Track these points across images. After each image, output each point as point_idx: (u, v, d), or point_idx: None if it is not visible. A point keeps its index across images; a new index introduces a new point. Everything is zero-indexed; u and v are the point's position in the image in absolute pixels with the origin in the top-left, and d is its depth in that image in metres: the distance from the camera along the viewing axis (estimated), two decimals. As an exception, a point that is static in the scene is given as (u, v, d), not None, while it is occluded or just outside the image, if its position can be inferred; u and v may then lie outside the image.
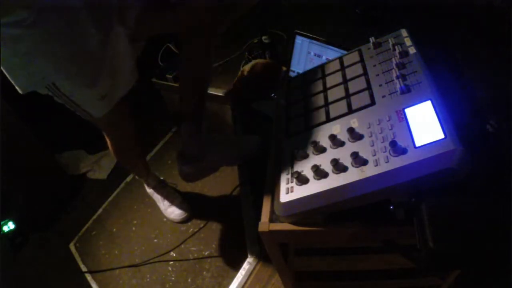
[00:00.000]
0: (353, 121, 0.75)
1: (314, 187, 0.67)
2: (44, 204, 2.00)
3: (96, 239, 1.92)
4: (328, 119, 0.80)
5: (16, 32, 0.87)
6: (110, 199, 2.13)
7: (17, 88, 1.03)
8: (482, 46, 1.60)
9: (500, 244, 0.57)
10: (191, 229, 1.85)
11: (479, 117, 0.77)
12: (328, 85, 0.89)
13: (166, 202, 1.79)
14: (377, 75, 0.82)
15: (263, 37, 1.84)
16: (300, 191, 0.68)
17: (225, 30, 1.91)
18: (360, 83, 0.83)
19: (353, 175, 0.65)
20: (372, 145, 0.67)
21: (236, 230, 1.78)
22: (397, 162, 0.61)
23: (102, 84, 1.06)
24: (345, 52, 1.03)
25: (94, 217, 2.04)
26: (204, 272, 1.67)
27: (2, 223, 1.84)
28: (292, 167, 0.74)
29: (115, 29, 1.00)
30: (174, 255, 1.77)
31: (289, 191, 0.70)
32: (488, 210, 0.60)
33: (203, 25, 1.07)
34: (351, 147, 0.70)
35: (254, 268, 1.28)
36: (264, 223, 0.76)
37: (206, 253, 1.74)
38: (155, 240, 1.86)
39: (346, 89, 0.84)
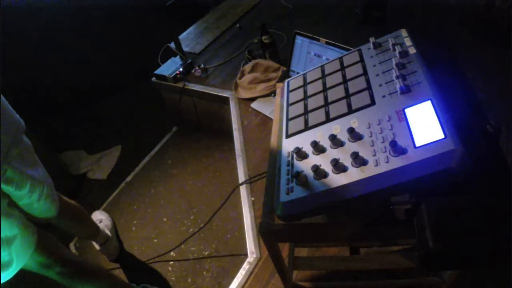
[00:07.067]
0: (353, 121, 0.75)
1: (314, 187, 0.67)
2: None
3: (96, 239, 1.92)
4: (328, 119, 0.80)
5: None
6: (110, 199, 2.14)
7: None
8: (482, 46, 1.60)
9: (500, 244, 0.57)
10: (191, 229, 1.85)
11: (479, 117, 0.77)
12: (328, 85, 0.89)
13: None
14: (377, 75, 0.82)
15: (263, 37, 1.84)
16: (300, 191, 0.68)
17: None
18: (360, 83, 0.83)
19: (353, 175, 0.65)
20: (372, 145, 0.67)
21: (236, 230, 1.78)
22: (397, 162, 0.61)
23: None
24: (345, 52, 1.03)
25: (94, 217, 2.04)
26: (204, 272, 1.67)
27: (2, 223, 1.84)
28: (292, 167, 0.74)
29: None
30: (174, 255, 1.77)
31: (289, 191, 0.70)
32: (488, 210, 0.60)
33: None
34: (351, 147, 0.70)
35: (254, 268, 1.28)
36: (264, 223, 0.76)
37: (206, 253, 1.74)
38: (155, 240, 1.86)
39: (346, 89, 0.84)
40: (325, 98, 0.86)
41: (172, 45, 2.17)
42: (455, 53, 1.01)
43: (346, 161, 0.67)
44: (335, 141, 0.72)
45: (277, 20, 2.34)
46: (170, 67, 2.13)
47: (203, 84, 2.06)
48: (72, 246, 1.93)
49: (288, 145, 0.80)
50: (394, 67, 0.78)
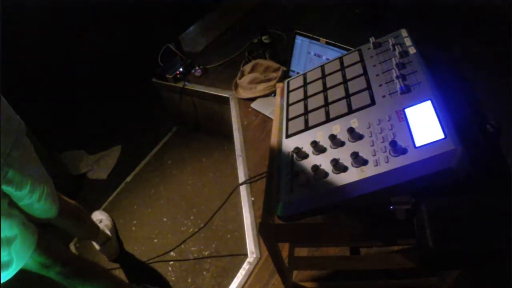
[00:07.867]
0: (353, 121, 0.75)
1: (314, 187, 0.67)
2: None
3: (96, 239, 1.92)
4: (328, 119, 0.80)
5: None
6: (110, 199, 2.14)
7: None
8: (482, 46, 1.60)
9: (500, 244, 0.57)
10: (191, 229, 1.85)
11: (479, 117, 0.77)
12: (328, 85, 0.89)
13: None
14: (377, 75, 0.82)
15: (263, 37, 1.84)
16: (300, 191, 0.68)
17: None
18: (360, 83, 0.83)
19: (353, 175, 0.65)
20: (372, 145, 0.67)
21: (236, 230, 1.78)
22: (397, 162, 0.61)
23: None
24: (345, 52, 1.03)
25: (94, 217, 2.03)
26: (204, 272, 1.67)
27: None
28: (292, 167, 0.74)
29: None
30: (174, 255, 1.77)
31: (289, 191, 0.70)
32: (488, 210, 0.60)
33: None
34: (351, 147, 0.70)
35: (254, 268, 1.28)
36: (264, 223, 0.76)
37: (206, 253, 1.74)
38: (155, 240, 1.86)
39: (346, 89, 0.84)
40: (325, 98, 0.86)
41: (172, 45, 2.17)
42: (455, 53, 1.01)
43: (346, 161, 0.67)
44: (335, 141, 0.72)
45: (277, 20, 2.34)
46: (170, 67, 2.13)
47: (203, 84, 2.06)
48: (72, 246, 1.93)
49: (288, 145, 0.80)
50: (394, 67, 0.78)
